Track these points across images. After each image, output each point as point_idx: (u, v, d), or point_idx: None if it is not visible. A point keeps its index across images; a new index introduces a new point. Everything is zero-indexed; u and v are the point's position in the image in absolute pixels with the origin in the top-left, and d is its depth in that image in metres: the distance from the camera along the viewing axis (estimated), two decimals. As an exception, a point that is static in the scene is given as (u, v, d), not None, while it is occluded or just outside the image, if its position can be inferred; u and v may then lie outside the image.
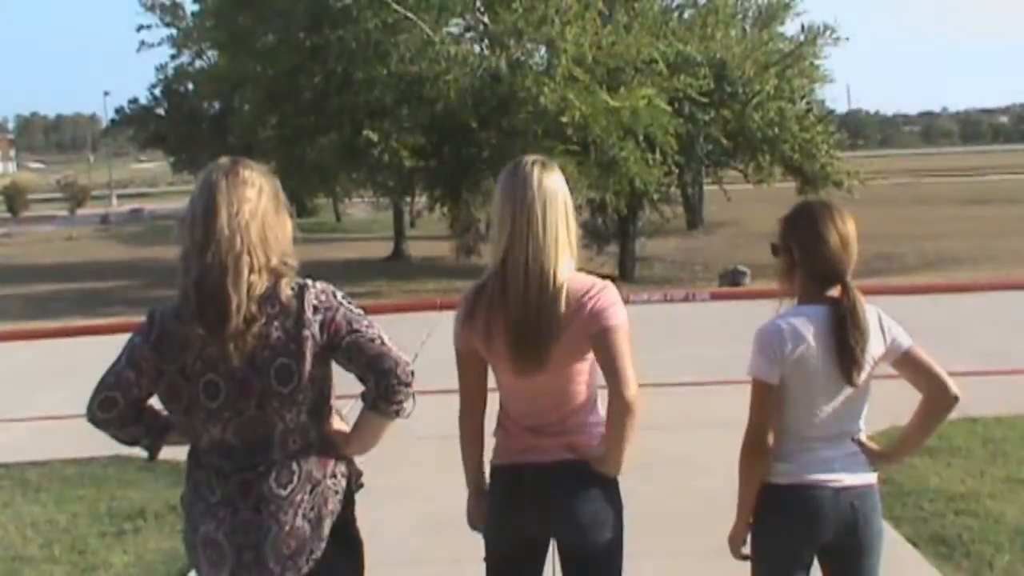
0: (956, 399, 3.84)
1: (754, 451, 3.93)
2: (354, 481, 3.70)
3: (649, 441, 8.91)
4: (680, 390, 11.23)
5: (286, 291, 3.44)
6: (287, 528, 3.47)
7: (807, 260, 3.89)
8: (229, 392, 3.46)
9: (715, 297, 19.67)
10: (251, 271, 3.39)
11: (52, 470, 9.17)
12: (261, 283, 3.41)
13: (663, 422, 9.83)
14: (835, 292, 3.85)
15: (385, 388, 3.45)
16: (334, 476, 3.57)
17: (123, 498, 8.20)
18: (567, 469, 3.73)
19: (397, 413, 3.52)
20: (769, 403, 3.91)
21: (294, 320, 3.42)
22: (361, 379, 3.52)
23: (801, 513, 3.93)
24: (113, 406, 3.63)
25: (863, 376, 3.86)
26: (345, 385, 3.70)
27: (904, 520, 6.94)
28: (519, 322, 3.63)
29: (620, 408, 3.61)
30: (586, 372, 3.77)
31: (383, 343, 3.47)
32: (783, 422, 3.92)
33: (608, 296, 3.68)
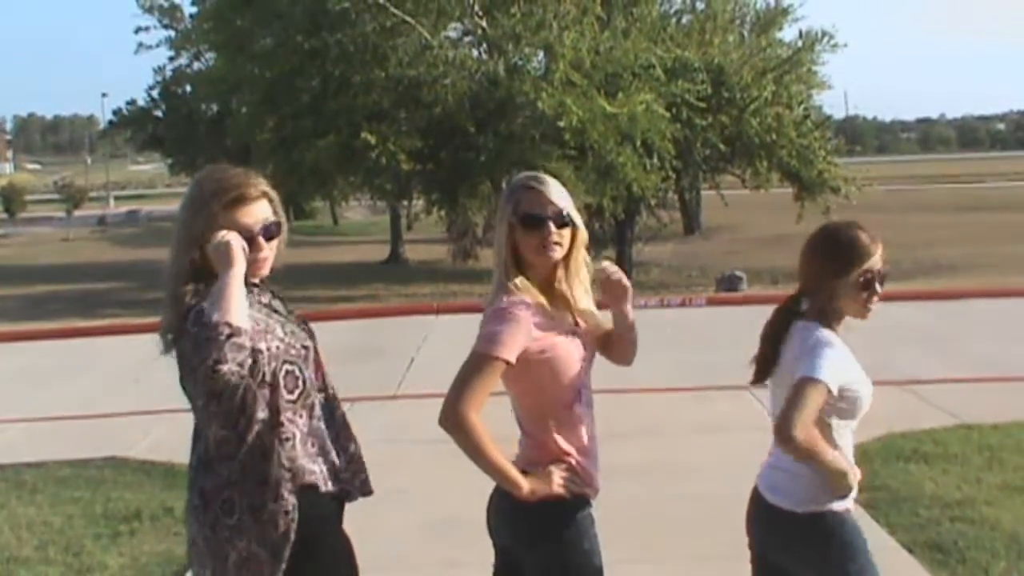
0: (785, 441, 3.62)
1: None
2: (325, 497, 3.64)
3: (646, 446, 8.94)
4: (677, 395, 11.23)
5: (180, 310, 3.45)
6: (244, 554, 3.49)
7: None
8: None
9: (712, 302, 19.65)
10: (169, 293, 3.50)
11: (48, 471, 9.15)
12: (167, 307, 3.49)
13: (660, 427, 9.84)
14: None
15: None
16: (279, 499, 3.50)
17: (119, 500, 8.18)
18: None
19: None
20: None
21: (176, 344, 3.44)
22: None
23: None
24: None
25: (770, 387, 3.88)
26: (338, 389, 3.70)
27: (899, 527, 6.94)
28: None
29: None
30: (519, 388, 3.75)
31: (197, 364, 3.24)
32: None
33: (486, 318, 3.68)
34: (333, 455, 3.67)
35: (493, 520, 3.83)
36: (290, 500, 3.51)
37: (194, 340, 3.21)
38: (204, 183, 3.59)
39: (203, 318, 3.21)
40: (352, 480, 3.73)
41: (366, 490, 3.77)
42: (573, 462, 3.71)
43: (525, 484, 3.60)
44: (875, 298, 3.85)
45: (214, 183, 3.58)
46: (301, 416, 3.59)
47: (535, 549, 3.71)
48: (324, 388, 3.71)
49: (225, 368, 3.14)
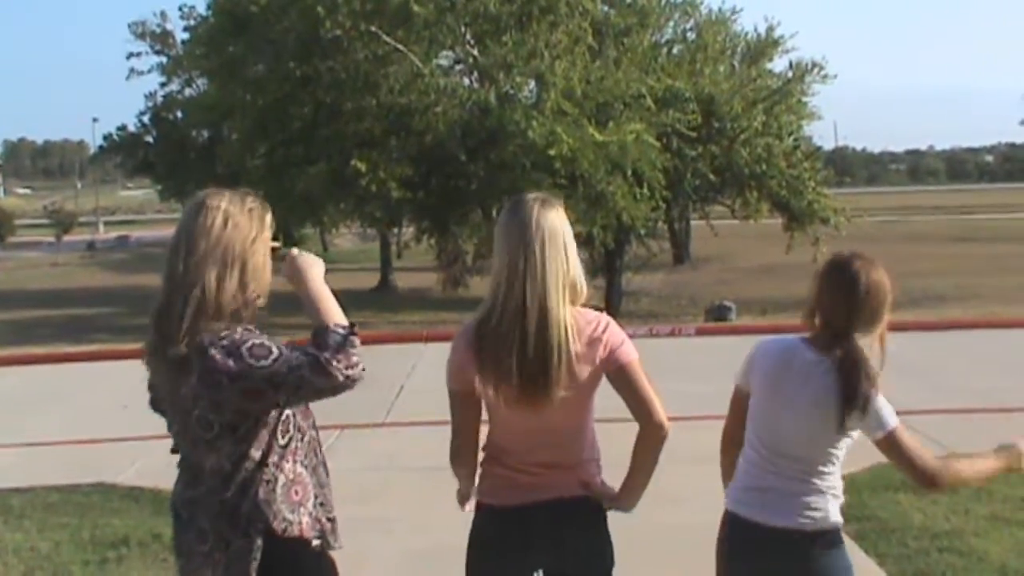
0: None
1: None
2: (292, 543, 3.58)
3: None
4: (665, 424, 11.22)
5: (196, 343, 3.40)
6: None
7: (820, 310, 3.96)
8: (174, 425, 3.56)
9: (701, 332, 19.67)
10: (199, 310, 3.40)
11: (35, 497, 9.12)
12: (201, 326, 3.41)
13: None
14: (841, 345, 3.88)
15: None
16: (247, 536, 3.48)
17: (106, 526, 8.16)
18: (580, 505, 3.79)
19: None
20: None
21: (207, 383, 3.38)
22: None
23: None
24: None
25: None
26: (327, 416, 3.70)
27: (888, 557, 6.94)
28: (526, 360, 3.62)
29: (653, 433, 3.79)
30: (592, 408, 3.82)
31: (301, 372, 3.35)
32: None
33: (617, 332, 3.74)
34: (313, 504, 3.64)
35: (543, 546, 3.82)
36: (256, 541, 3.48)
37: (337, 343, 3.36)
38: (245, 204, 3.57)
39: (339, 329, 3.40)
40: (327, 531, 3.68)
41: (339, 543, 3.72)
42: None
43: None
44: None
45: (259, 205, 3.60)
46: (288, 461, 3.56)
47: (599, 566, 3.88)
48: (310, 429, 3.69)
49: (361, 367, 3.41)
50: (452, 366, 3.79)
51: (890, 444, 3.83)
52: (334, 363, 3.33)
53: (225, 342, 3.39)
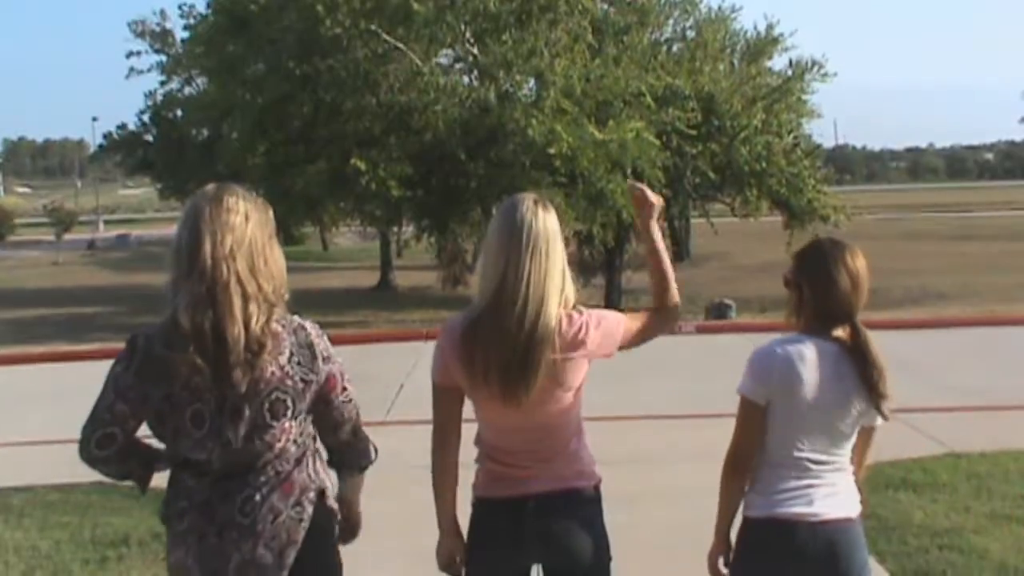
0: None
1: None
2: (329, 512, 3.72)
3: (633, 474, 8.93)
4: (665, 423, 11.22)
5: (276, 325, 3.46)
6: (248, 556, 3.49)
7: (816, 299, 3.90)
8: (215, 422, 3.47)
9: (701, 330, 19.68)
10: (245, 300, 3.41)
11: (35, 496, 9.13)
12: (258, 313, 3.42)
13: (647, 455, 9.82)
14: (842, 332, 3.86)
15: (358, 463, 3.92)
16: (298, 506, 3.56)
17: (107, 525, 8.16)
18: (571, 498, 3.80)
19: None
20: None
21: (298, 361, 3.49)
22: (330, 443, 3.79)
23: None
24: (112, 442, 3.58)
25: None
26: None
27: (889, 555, 6.94)
28: (519, 360, 3.62)
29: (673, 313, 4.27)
30: (580, 404, 3.84)
31: (358, 415, 3.76)
32: None
33: (593, 316, 3.78)
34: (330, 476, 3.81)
35: (538, 538, 3.82)
36: (308, 510, 3.58)
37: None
38: (256, 201, 3.63)
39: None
40: None
41: None
42: None
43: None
44: None
45: (262, 202, 3.69)
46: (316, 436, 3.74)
47: (598, 555, 3.87)
48: None
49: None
50: (438, 364, 3.84)
51: (871, 435, 4.03)
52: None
53: (311, 323, 3.58)
